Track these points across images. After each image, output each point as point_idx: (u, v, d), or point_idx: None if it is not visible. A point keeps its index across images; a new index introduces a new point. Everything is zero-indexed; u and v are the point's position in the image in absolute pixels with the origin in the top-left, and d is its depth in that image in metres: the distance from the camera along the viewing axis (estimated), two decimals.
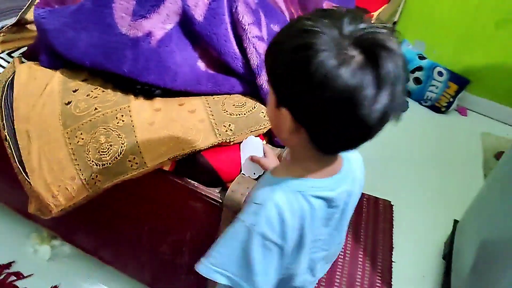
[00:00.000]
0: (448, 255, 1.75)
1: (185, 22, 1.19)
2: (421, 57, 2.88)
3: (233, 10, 1.21)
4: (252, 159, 1.13)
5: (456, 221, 1.83)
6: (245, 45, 1.20)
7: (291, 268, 0.85)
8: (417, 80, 2.92)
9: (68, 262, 1.59)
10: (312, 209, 0.77)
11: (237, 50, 1.21)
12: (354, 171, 0.85)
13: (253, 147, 1.15)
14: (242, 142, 1.15)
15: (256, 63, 1.19)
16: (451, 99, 2.85)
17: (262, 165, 1.11)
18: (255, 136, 1.16)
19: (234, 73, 1.23)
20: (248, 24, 1.20)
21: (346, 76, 0.61)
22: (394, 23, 2.59)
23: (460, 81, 2.80)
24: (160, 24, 1.18)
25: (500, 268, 1.28)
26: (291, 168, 0.80)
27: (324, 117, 0.66)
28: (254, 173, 1.13)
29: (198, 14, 1.18)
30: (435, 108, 2.91)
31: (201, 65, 1.23)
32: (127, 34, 1.18)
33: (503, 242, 1.35)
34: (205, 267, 0.78)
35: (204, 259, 0.79)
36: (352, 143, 0.71)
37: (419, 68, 2.88)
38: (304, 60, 0.63)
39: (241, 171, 1.13)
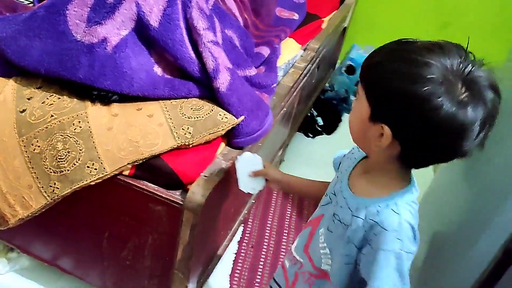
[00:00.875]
0: None
1: (141, 28, 1.21)
2: None
3: (188, 16, 1.23)
4: (258, 173, 1.11)
5: None
6: (201, 49, 1.22)
7: None
8: None
9: (27, 275, 1.55)
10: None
11: (193, 55, 1.23)
12: None
13: (252, 163, 1.12)
14: (237, 159, 1.12)
15: (212, 67, 1.21)
16: None
17: (271, 177, 1.11)
18: (251, 153, 1.15)
19: (190, 77, 1.25)
20: (203, 29, 1.23)
21: (462, 115, 0.70)
22: (345, 28, 2.68)
23: None
24: (115, 30, 1.18)
25: (449, 258, 1.36)
26: (384, 181, 0.84)
27: (428, 142, 0.74)
28: (254, 189, 1.12)
29: (153, 20, 1.20)
30: None
31: (157, 70, 1.25)
32: (82, 40, 1.18)
33: (451, 232, 1.43)
34: None
35: None
36: (435, 163, 0.80)
37: None
38: (425, 95, 0.69)
39: (240, 187, 1.12)
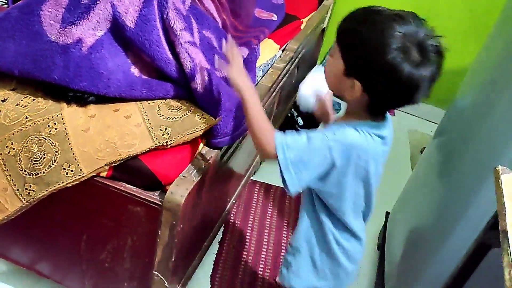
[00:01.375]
0: (382, 246, 1.85)
1: (117, 28, 1.20)
2: None
3: (164, 17, 1.23)
4: (320, 98, 1.21)
5: (388, 213, 1.94)
6: (178, 50, 1.22)
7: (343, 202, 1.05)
8: None
9: (4, 279, 1.53)
10: (376, 145, 0.98)
11: (170, 56, 1.23)
12: (390, 121, 1.05)
13: (321, 83, 1.16)
14: (312, 71, 1.21)
15: (189, 67, 1.21)
16: None
17: (326, 108, 1.21)
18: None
19: (168, 78, 1.25)
20: (180, 29, 1.23)
21: (417, 74, 0.87)
22: (323, 29, 2.70)
23: None
24: (90, 31, 1.18)
25: (425, 252, 1.38)
26: (354, 117, 1.00)
27: (391, 95, 0.92)
28: (306, 107, 1.22)
29: (129, 20, 1.19)
30: None
31: (134, 71, 1.24)
32: (56, 41, 1.17)
33: (426, 228, 1.46)
34: (280, 139, 0.97)
35: (282, 136, 0.97)
36: (393, 108, 1.02)
37: None
38: (391, 61, 0.86)
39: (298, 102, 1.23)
